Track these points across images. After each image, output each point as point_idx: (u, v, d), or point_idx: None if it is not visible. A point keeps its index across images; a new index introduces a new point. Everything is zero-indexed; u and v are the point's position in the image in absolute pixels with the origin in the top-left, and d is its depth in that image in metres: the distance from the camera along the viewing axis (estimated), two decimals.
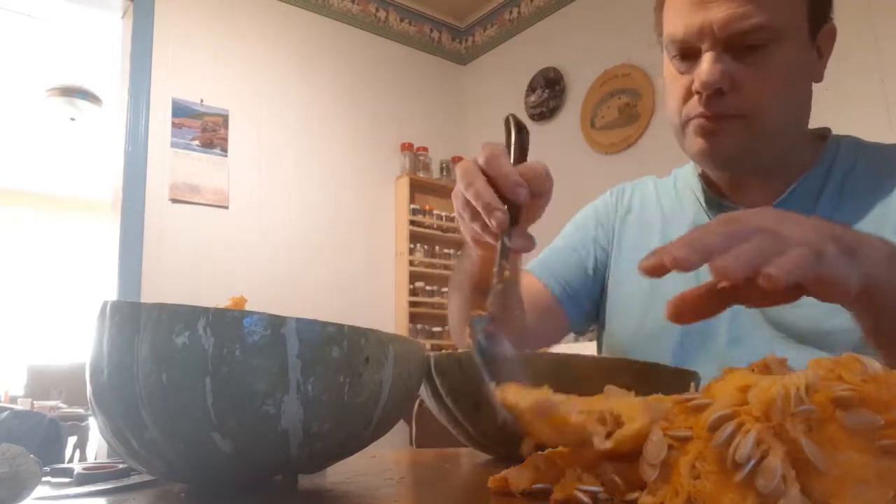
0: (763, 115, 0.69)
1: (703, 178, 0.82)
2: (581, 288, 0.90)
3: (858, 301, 0.44)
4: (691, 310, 0.44)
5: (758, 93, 0.68)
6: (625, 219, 0.91)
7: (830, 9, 0.73)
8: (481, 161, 0.55)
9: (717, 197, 0.80)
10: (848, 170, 0.75)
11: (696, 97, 0.70)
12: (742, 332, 0.73)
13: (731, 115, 0.69)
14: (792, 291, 0.41)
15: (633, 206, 0.92)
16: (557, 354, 0.55)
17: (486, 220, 0.54)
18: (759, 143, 0.71)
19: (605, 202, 0.96)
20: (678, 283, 0.75)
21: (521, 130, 0.61)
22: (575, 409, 0.35)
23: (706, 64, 0.67)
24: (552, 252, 0.95)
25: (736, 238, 0.40)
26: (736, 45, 0.67)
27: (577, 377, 0.52)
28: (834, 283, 0.40)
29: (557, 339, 0.93)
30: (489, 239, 0.59)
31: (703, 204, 0.82)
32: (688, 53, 0.70)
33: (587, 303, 0.91)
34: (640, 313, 0.81)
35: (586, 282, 0.90)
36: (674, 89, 0.73)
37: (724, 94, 0.68)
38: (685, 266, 0.39)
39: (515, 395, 0.38)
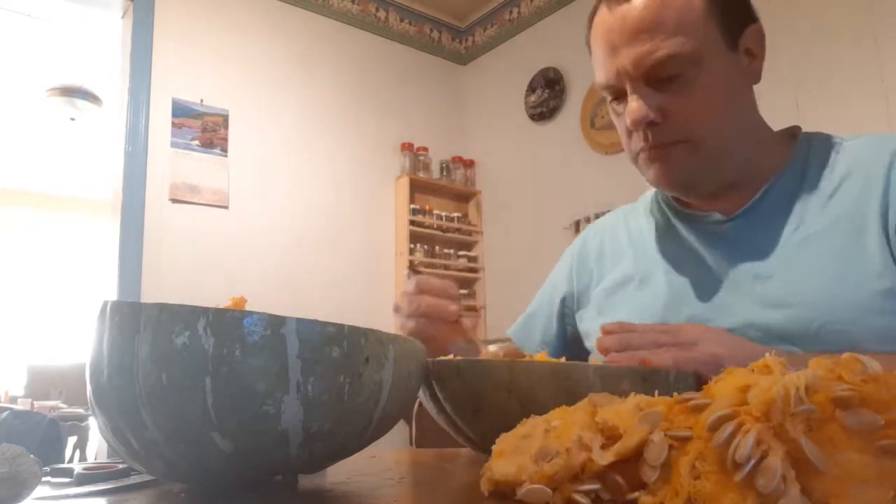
0: (702, 134, 0.72)
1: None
2: (560, 339, 0.96)
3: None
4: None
5: (690, 116, 0.71)
6: (599, 258, 0.93)
7: (747, 13, 0.75)
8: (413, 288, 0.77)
9: (685, 209, 0.82)
10: (821, 166, 0.75)
11: (636, 133, 0.74)
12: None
13: (671, 142, 0.72)
14: None
15: (602, 243, 0.94)
16: (557, 363, 0.55)
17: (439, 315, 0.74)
18: (709, 163, 0.73)
19: (571, 253, 0.99)
20: (656, 313, 0.77)
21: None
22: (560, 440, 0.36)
23: (631, 103, 0.72)
24: (528, 318, 1.02)
25: (654, 344, 0.62)
26: (654, 78, 0.71)
27: (577, 384, 0.52)
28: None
29: None
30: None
31: (674, 217, 0.83)
32: (618, 95, 0.75)
33: (564, 346, 0.96)
34: None
35: (561, 330, 0.96)
36: (619, 130, 0.78)
37: (657, 125, 0.72)
38: (609, 354, 0.65)
39: (502, 469, 0.38)
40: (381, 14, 3.61)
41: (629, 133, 0.75)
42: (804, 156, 0.77)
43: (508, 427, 0.42)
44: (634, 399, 0.36)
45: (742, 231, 0.75)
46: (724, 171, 0.75)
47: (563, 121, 3.29)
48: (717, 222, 0.77)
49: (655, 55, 0.69)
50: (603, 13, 0.74)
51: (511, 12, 3.67)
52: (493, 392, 0.52)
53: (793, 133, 0.81)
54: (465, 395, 0.54)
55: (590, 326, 0.89)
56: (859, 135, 0.78)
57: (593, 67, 0.79)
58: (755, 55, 0.75)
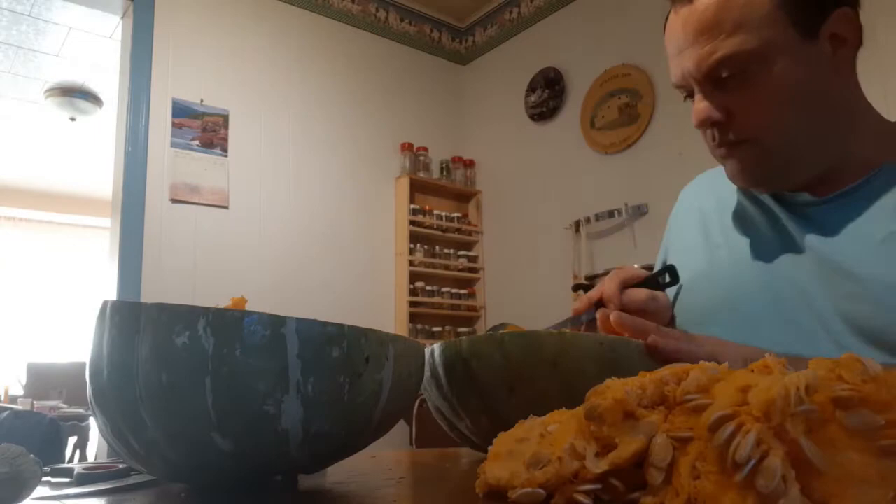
0: (766, 133, 0.70)
1: None
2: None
3: None
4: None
5: (753, 115, 0.70)
6: (682, 213, 0.93)
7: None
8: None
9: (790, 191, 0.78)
10: None
11: (707, 132, 0.74)
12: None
13: (737, 142, 0.71)
14: None
15: (692, 203, 0.92)
16: (606, 337, 0.55)
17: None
18: (778, 161, 0.72)
19: (674, 213, 0.98)
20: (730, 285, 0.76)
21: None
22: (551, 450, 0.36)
23: (696, 104, 0.72)
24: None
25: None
26: (716, 78, 0.70)
27: (578, 357, 0.52)
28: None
29: None
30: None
31: (771, 198, 0.79)
32: (690, 94, 0.75)
33: None
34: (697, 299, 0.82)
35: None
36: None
37: (723, 124, 0.71)
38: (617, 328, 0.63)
39: (495, 473, 0.38)
40: (381, 14, 3.61)
41: (703, 133, 0.75)
42: None
43: (543, 408, 0.41)
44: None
45: (830, 216, 0.72)
46: (801, 168, 0.73)
47: (564, 121, 3.29)
48: (807, 203, 0.74)
49: (714, 56, 0.69)
50: (671, 15, 0.74)
51: (511, 12, 3.67)
52: (537, 366, 0.52)
53: None
54: (502, 371, 0.54)
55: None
56: None
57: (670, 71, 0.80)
58: (845, 39, 0.71)
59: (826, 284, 0.70)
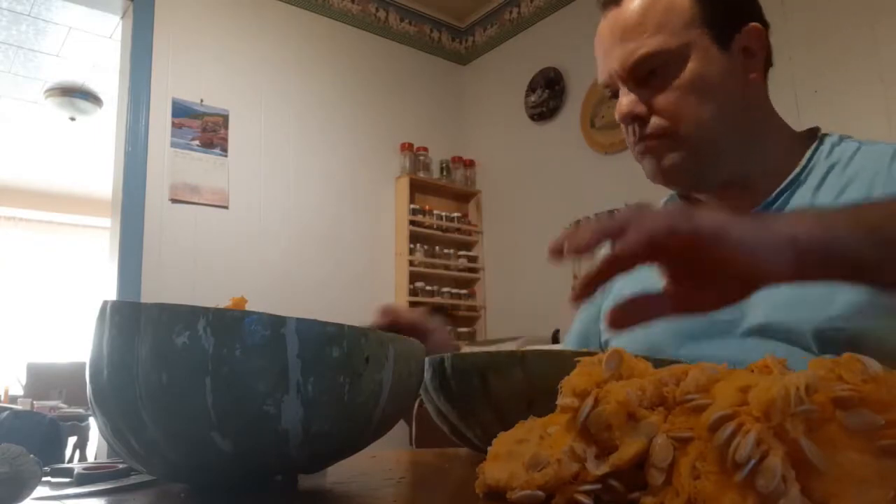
0: (685, 128, 0.74)
1: (685, 198, 0.86)
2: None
3: (822, 268, 0.46)
4: (631, 315, 0.50)
5: (673, 110, 0.74)
6: None
7: (744, 13, 0.77)
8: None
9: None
10: (840, 169, 0.74)
11: (629, 129, 0.78)
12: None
13: (657, 135, 0.75)
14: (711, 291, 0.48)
15: None
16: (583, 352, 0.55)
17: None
18: (695, 157, 0.75)
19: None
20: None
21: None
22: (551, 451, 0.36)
23: (620, 99, 0.77)
24: (578, 324, 1.00)
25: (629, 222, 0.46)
26: (640, 76, 0.75)
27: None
28: (718, 238, 0.43)
29: None
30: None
31: None
32: (615, 95, 0.79)
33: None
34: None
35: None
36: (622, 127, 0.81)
37: (644, 119, 0.75)
38: (579, 249, 0.47)
39: (494, 474, 0.38)
40: (381, 14, 3.61)
41: (624, 129, 0.79)
42: (824, 157, 0.77)
43: None
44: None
45: None
46: (717, 167, 0.77)
47: (564, 121, 3.29)
48: None
49: (638, 52, 0.74)
50: (602, 22, 0.80)
51: (511, 12, 3.67)
52: (557, 382, 0.52)
53: (813, 134, 0.81)
54: (522, 387, 0.54)
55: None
56: (879, 141, 0.78)
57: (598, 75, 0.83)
58: (753, 53, 0.77)
59: (757, 298, 0.70)
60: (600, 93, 3.10)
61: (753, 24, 0.77)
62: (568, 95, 3.29)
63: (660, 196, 0.98)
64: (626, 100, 0.75)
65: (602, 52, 0.79)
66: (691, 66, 0.73)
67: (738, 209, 0.78)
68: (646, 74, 0.74)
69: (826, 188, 0.74)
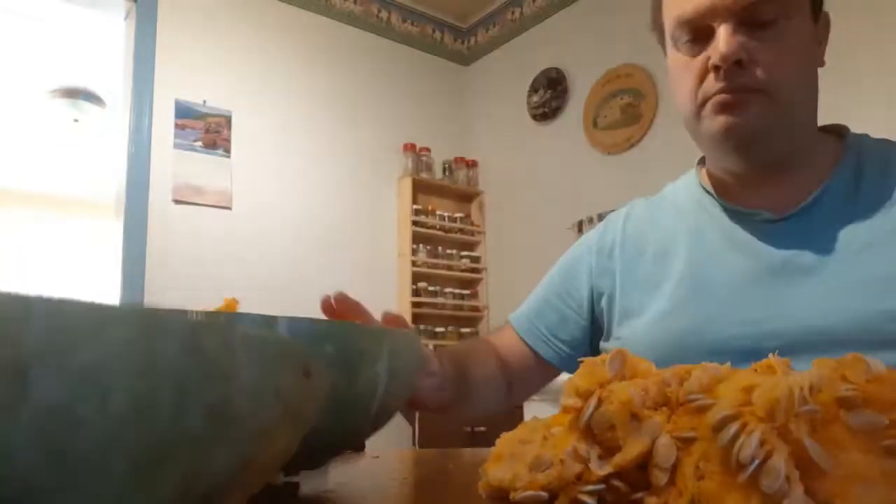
0: (781, 90, 0.69)
1: (714, 184, 0.80)
2: (568, 338, 0.88)
3: None
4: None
5: (774, 67, 0.68)
6: (623, 249, 0.86)
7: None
8: None
9: (732, 204, 0.77)
10: (880, 170, 0.72)
11: (712, 76, 0.69)
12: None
13: (752, 90, 0.69)
14: None
15: (626, 238, 0.87)
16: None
17: None
18: (779, 122, 0.70)
19: (592, 241, 0.91)
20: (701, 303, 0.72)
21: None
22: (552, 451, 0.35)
23: (724, 36, 0.67)
24: (537, 303, 0.92)
25: None
26: (747, 20, 0.68)
27: None
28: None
29: (542, 387, 0.93)
30: None
31: (717, 210, 0.79)
32: (699, 35, 0.71)
33: (575, 347, 0.89)
34: (659, 340, 0.77)
35: (575, 329, 0.88)
36: (686, 75, 0.73)
37: (743, 68, 0.68)
38: None
39: (497, 475, 0.38)
40: (384, 15, 3.61)
41: (699, 77, 0.71)
42: (856, 157, 0.74)
43: None
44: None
45: (795, 232, 0.72)
46: (788, 139, 0.72)
47: (566, 121, 3.29)
48: (768, 221, 0.74)
49: None
50: None
51: (513, 13, 3.67)
52: None
53: (839, 132, 0.79)
54: None
55: (623, 330, 0.82)
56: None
57: (662, 7, 0.76)
58: (821, 41, 0.75)
59: (799, 298, 0.69)
60: (603, 93, 3.10)
61: (826, 14, 0.75)
62: (570, 96, 3.29)
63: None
64: (734, 39, 0.67)
65: None
66: (799, 28, 0.70)
67: (768, 202, 0.74)
68: (754, 20, 0.68)
69: (867, 187, 0.71)
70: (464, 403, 0.81)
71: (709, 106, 0.71)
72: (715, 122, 0.71)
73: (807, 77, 0.71)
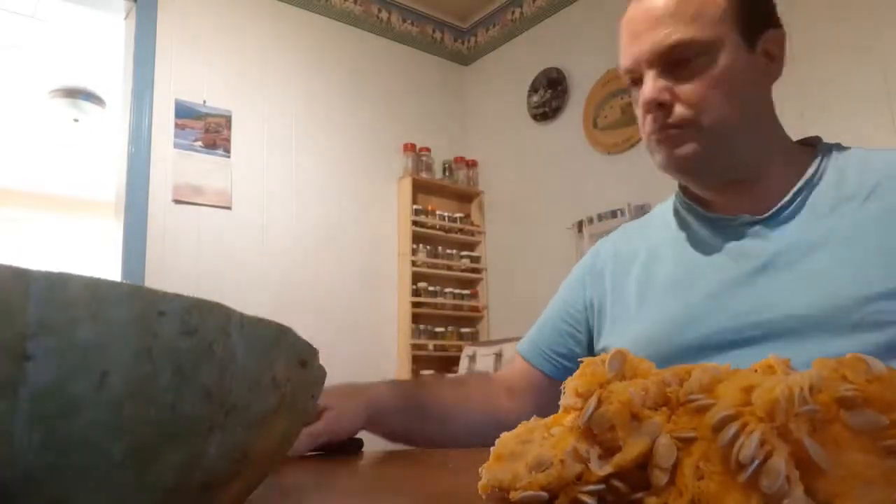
0: (706, 117, 0.75)
1: (693, 199, 0.86)
2: (568, 353, 0.94)
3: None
4: None
5: (697, 99, 0.75)
6: (615, 265, 0.93)
7: (770, 17, 0.80)
8: None
9: (710, 212, 0.83)
10: (856, 173, 0.76)
11: (648, 116, 0.77)
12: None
13: (679, 125, 0.76)
14: None
15: (618, 252, 0.94)
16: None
17: None
18: (716, 148, 0.76)
19: (585, 265, 1.00)
20: (687, 311, 0.75)
21: None
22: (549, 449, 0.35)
23: (647, 82, 0.76)
24: (540, 327, 1.00)
25: None
26: (668, 63, 0.76)
27: None
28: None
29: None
30: None
31: (699, 223, 0.84)
32: (637, 81, 0.79)
33: (577, 362, 0.92)
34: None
35: (575, 344, 0.94)
36: (638, 113, 0.81)
37: (667, 107, 0.76)
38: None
39: (497, 475, 0.38)
40: (384, 15, 3.61)
41: (643, 118, 0.79)
42: (832, 162, 0.79)
43: None
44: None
45: (776, 231, 0.77)
46: (730, 163, 0.78)
47: (566, 121, 3.29)
48: (747, 223, 0.79)
49: (673, 37, 0.74)
50: (633, 4, 0.81)
51: (513, 13, 3.67)
52: None
53: (811, 142, 0.84)
54: None
55: (611, 339, 0.88)
56: (881, 148, 0.80)
57: (620, 60, 0.83)
58: (774, 57, 0.79)
59: (780, 287, 0.72)
60: (603, 93, 3.10)
61: (778, 29, 0.79)
62: (570, 95, 3.29)
63: (661, 196, 0.98)
64: (653, 85, 0.76)
65: (630, 35, 0.79)
66: (721, 61, 0.75)
67: (744, 208, 0.79)
68: (674, 63, 0.75)
69: (845, 188, 0.75)
70: (424, 424, 0.82)
71: (650, 142, 0.80)
72: (657, 156, 0.80)
73: (738, 100, 0.76)
